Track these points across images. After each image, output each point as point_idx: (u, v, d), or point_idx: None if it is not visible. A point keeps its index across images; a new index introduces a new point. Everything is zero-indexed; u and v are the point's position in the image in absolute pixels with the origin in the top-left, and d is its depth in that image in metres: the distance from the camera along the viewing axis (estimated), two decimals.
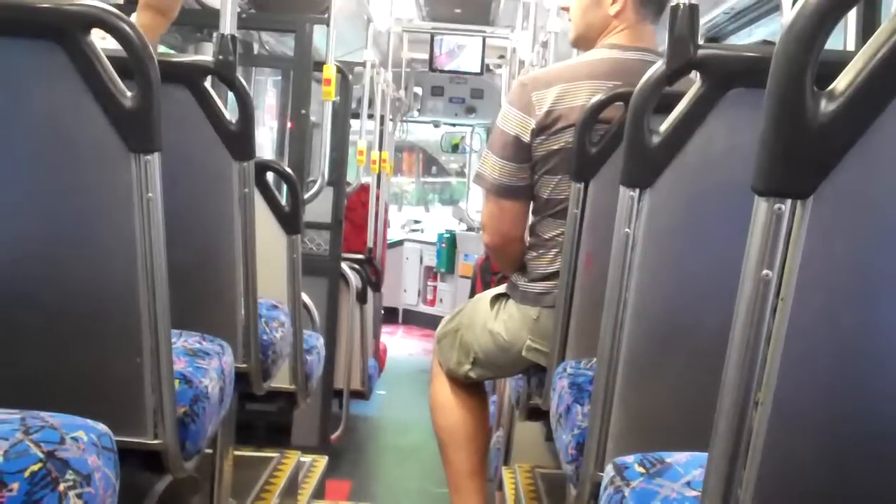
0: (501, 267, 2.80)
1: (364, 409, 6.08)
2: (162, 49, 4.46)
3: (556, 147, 2.32)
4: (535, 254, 2.45)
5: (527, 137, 2.34)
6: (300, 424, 4.35)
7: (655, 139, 1.55)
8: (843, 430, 0.93)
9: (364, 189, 5.93)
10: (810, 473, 0.94)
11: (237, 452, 2.52)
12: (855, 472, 0.94)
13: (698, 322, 1.56)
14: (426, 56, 7.42)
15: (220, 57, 2.00)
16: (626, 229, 1.61)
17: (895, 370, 0.90)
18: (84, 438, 1.19)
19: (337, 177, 4.72)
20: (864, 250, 0.88)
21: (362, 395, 5.50)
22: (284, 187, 2.79)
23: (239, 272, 2.15)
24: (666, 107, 1.55)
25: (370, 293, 5.43)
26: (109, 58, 1.46)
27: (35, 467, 1.09)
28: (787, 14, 0.85)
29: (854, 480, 0.94)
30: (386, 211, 6.91)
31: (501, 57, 7.45)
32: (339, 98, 4.73)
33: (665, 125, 1.55)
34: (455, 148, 10.36)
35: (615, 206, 1.63)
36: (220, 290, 2.16)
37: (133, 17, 2.08)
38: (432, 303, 9.83)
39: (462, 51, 7.22)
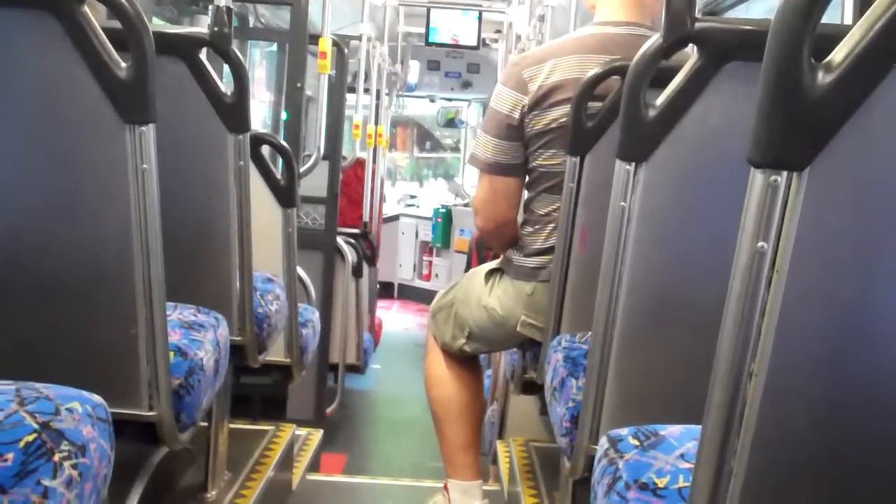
0: (495, 247, 2.81)
1: (359, 383, 6.10)
2: (157, 21, 4.44)
3: (549, 121, 2.32)
4: (530, 230, 2.46)
5: (520, 115, 2.35)
6: (295, 398, 4.35)
7: (652, 113, 1.55)
8: (836, 402, 0.93)
9: (360, 163, 5.92)
10: (803, 444, 0.94)
11: (232, 425, 2.53)
12: (847, 444, 0.94)
13: (693, 295, 1.56)
14: (422, 30, 7.38)
15: (216, 29, 1.99)
16: (622, 203, 1.61)
17: (889, 342, 0.91)
18: (79, 409, 1.19)
19: (332, 151, 4.72)
20: (860, 222, 0.88)
21: (357, 368, 5.52)
22: (280, 161, 2.78)
23: (234, 245, 2.15)
24: (662, 80, 1.55)
25: (365, 267, 5.44)
26: (104, 29, 1.46)
27: (30, 438, 1.09)
28: None
29: (847, 451, 0.94)
30: (382, 185, 6.90)
31: (498, 31, 7.41)
32: (334, 72, 4.71)
33: (661, 99, 1.54)
34: (451, 122, 10.34)
35: (611, 180, 1.63)
36: (216, 263, 2.16)
37: None
38: (428, 277, 9.85)
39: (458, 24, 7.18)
